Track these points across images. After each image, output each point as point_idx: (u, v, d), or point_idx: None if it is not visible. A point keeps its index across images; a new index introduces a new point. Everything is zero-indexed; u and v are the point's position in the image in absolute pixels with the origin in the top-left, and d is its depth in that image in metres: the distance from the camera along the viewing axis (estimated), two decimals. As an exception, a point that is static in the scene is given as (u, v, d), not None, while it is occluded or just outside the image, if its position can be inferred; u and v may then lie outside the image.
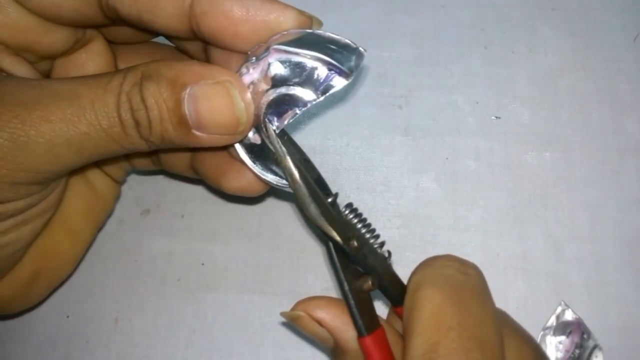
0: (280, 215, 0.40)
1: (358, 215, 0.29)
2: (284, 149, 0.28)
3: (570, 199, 0.39)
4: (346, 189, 0.40)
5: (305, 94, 0.29)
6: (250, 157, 0.30)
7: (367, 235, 0.29)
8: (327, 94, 0.29)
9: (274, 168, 0.30)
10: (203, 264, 0.39)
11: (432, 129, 0.41)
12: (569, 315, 0.36)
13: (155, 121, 0.26)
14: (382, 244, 0.29)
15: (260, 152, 0.30)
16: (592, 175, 0.39)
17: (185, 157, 0.34)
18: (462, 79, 0.43)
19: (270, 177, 0.30)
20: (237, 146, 0.30)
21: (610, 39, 0.43)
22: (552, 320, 0.36)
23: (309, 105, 0.29)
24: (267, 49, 0.28)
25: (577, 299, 0.36)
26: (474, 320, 0.25)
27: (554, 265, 0.37)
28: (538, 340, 0.35)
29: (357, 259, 0.28)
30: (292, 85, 0.29)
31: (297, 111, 0.29)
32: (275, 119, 0.29)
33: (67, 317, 0.38)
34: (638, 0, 0.44)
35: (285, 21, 0.27)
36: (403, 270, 0.38)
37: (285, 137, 0.29)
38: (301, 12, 0.28)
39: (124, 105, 0.26)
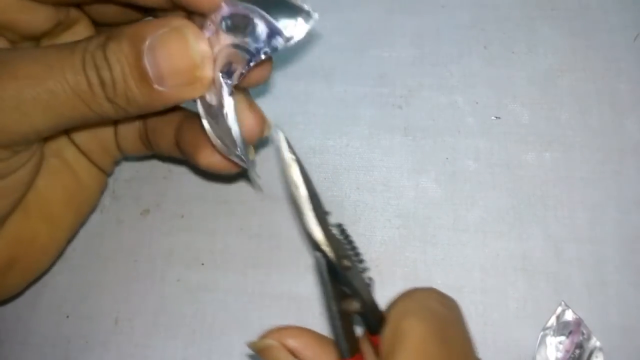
0: (280, 215, 0.40)
1: (347, 236, 0.29)
2: (292, 156, 0.28)
3: (570, 199, 0.39)
4: (346, 189, 0.40)
5: (250, 52, 0.28)
6: (207, 119, 0.30)
7: (354, 258, 0.29)
8: (272, 55, 0.28)
9: (227, 135, 0.30)
10: (203, 264, 0.39)
11: (432, 129, 0.41)
12: (569, 316, 0.36)
13: (118, 78, 0.26)
14: (364, 270, 0.29)
15: (215, 115, 0.30)
16: (592, 175, 0.39)
17: (170, 135, 0.34)
18: (462, 79, 0.43)
19: (218, 143, 0.30)
20: (198, 103, 0.30)
21: (610, 39, 0.43)
22: (552, 321, 0.36)
23: (252, 63, 0.28)
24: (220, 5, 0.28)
25: (577, 299, 0.36)
26: (457, 353, 0.25)
27: (554, 265, 0.37)
28: (538, 340, 0.35)
29: (345, 280, 0.28)
30: (240, 42, 0.28)
31: (242, 71, 0.28)
32: (227, 78, 0.28)
33: (67, 317, 0.38)
34: (638, 0, 0.44)
35: None
36: (402, 270, 0.38)
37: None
38: None
39: (89, 63, 0.26)
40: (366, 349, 0.29)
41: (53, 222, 0.35)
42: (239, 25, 0.28)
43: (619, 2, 0.44)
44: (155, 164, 0.42)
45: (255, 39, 0.28)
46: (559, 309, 0.36)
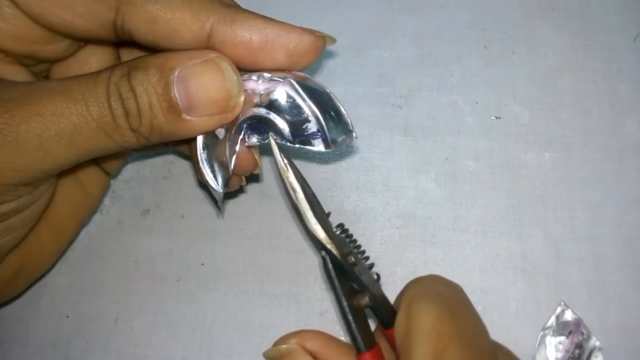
0: (280, 215, 0.40)
1: (349, 235, 0.30)
2: (286, 161, 0.29)
3: (570, 199, 0.39)
4: (346, 189, 0.40)
5: (286, 132, 0.30)
6: (204, 145, 0.30)
7: (359, 255, 0.30)
8: (302, 147, 0.30)
9: (216, 167, 0.30)
10: (203, 264, 0.39)
11: (432, 129, 0.41)
12: (568, 316, 0.36)
13: (144, 108, 0.26)
14: (371, 266, 0.30)
15: (213, 147, 0.30)
16: (592, 175, 0.39)
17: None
18: (462, 79, 0.43)
19: (207, 170, 0.30)
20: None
21: (610, 39, 0.43)
22: (552, 321, 0.36)
23: (281, 142, 0.30)
24: (285, 77, 0.29)
25: (577, 299, 0.36)
26: (470, 330, 0.25)
27: (554, 265, 0.37)
28: (538, 340, 0.35)
29: (353, 276, 0.28)
30: (282, 118, 0.30)
31: (268, 139, 0.30)
32: (248, 131, 0.30)
33: (67, 317, 0.38)
34: (638, 0, 0.44)
35: (303, 48, 0.28)
36: (403, 270, 0.38)
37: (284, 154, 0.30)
38: (316, 37, 0.28)
39: (114, 94, 0.26)
40: (381, 343, 0.29)
41: (59, 232, 0.35)
42: (290, 105, 0.29)
43: (619, 2, 0.44)
44: (156, 164, 0.42)
45: (300, 129, 0.30)
46: (559, 309, 0.36)
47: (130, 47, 0.34)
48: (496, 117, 0.42)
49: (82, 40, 0.31)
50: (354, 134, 0.30)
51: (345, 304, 0.28)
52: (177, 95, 0.27)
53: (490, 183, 0.40)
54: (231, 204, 0.40)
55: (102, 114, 0.26)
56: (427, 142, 0.41)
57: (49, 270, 0.39)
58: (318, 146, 0.30)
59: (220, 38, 0.27)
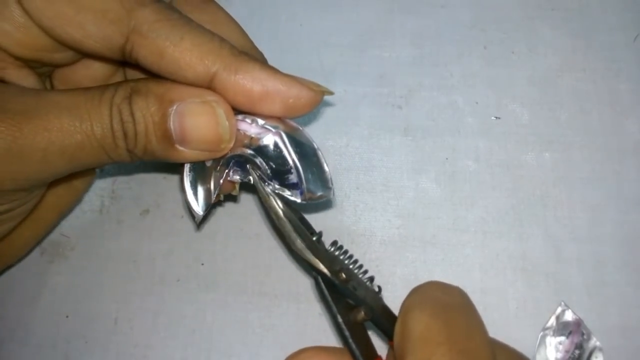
0: (280, 215, 0.40)
1: (344, 252, 0.30)
2: (267, 190, 0.30)
3: (570, 199, 0.39)
4: (346, 189, 0.40)
5: (268, 175, 0.31)
6: (190, 169, 0.32)
7: (356, 271, 0.30)
8: (279, 191, 0.31)
9: (199, 190, 0.32)
10: (203, 264, 0.39)
11: (432, 129, 0.41)
12: (568, 316, 0.36)
13: (140, 134, 0.28)
14: (371, 279, 0.30)
15: (200, 171, 0.32)
16: (592, 175, 0.39)
17: None
18: (462, 79, 0.43)
19: (190, 192, 0.32)
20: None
21: (610, 39, 0.43)
22: (552, 321, 0.36)
23: (262, 183, 0.31)
24: (277, 127, 0.30)
25: (577, 299, 0.36)
26: (462, 334, 0.25)
27: (554, 265, 0.37)
28: (538, 341, 0.35)
29: (347, 292, 0.29)
30: (265, 164, 0.31)
31: (249, 179, 0.31)
32: (233, 167, 0.32)
33: (67, 317, 0.38)
34: (638, 0, 0.44)
35: (300, 102, 0.29)
36: (402, 271, 0.38)
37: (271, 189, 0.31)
38: (315, 92, 0.30)
39: (116, 117, 0.27)
40: (390, 356, 0.29)
41: (38, 222, 0.36)
42: (276, 154, 0.31)
43: (619, 2, 0.44)
44: (155, 164, 0.42)
45: (281, 178, 0.31)
46: (559, 309, 0.36)
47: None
48: (496, 117, 0.42)
49: (89, 56, 0.32)
50: (331, 192, 0.31)
51: (340, 320, 0.28)
52: (172, 127, 0.28)
53: (490, 183, 0.40)
54: (231, 204, 0.40)
55: (104, 135, 0.27)
56: (427, 142, 0.41)
57: (22, 258, 0.39)
58: (295, 196, 0.31)
59: (223, 84, 0.28)
